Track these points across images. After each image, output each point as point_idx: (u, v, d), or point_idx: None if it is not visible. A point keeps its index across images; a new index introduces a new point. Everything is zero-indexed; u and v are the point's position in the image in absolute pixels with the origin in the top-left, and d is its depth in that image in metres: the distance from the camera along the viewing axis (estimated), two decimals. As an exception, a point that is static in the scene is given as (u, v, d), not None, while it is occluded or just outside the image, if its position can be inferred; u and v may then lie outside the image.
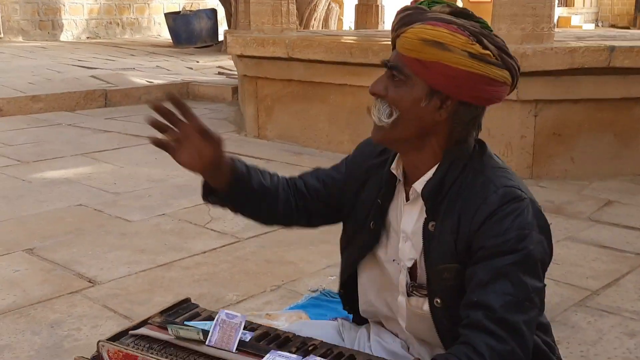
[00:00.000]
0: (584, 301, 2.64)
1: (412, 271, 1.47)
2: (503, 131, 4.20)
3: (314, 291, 2.69)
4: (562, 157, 4.28)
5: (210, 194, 1.52)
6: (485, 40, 1.34)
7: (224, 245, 3.21)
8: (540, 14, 4.13)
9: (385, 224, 1.52)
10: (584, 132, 4.28)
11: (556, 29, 4.66)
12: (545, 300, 1.38)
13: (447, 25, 1.33)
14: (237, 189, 1.50)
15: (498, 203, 1.35)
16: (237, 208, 1.56)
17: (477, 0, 15.10)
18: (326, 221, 1.67)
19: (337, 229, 1.62)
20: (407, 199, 1.47)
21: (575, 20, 20.06)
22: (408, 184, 1.47)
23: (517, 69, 1.38)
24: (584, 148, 4.30)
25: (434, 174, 1.41)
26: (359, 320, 1.70)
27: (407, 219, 1.46)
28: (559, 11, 20.32)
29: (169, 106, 1.39)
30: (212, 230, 3.42)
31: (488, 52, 1.33)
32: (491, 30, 1.37)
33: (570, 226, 3.47)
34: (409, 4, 1.44)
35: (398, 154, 1.48)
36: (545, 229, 1.41)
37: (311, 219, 1.63)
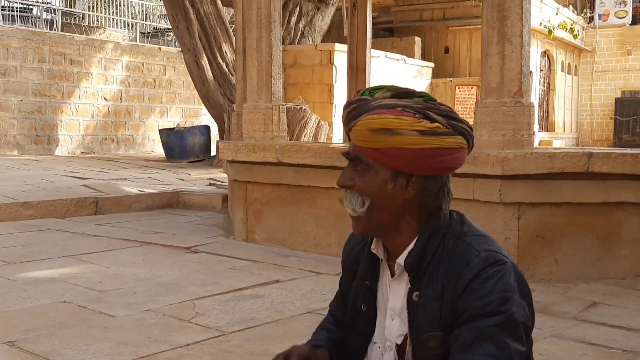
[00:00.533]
0: (572, 392, 2.59)
1: (400, 349, 1.48)
2: (487, 233, 4.26)
3: (298, 381, 2.63)
4: (547, 260, 4.32)
5: None
6: (431, 114, 1.39)
7: (208, 339, 3.16)
8: (519, 122, 4.31)
9: (376, 306, 1.55)
10: (567, 235, 4.34)
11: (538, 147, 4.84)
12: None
13: (392, 110, 1.39)
14: None
15: (480, 266, 1.39)
16: None
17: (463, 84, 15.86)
18: None
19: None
20: (393, 274, 1.51)
21: (556, 145, 20.79)
22: (392, 260, 1.51)
23: (469, 130, 1.44)
24: (567, 251, 4.35)
25: (414, 245, 1.45)
26: None
27: (395, 295, 1.49)
28: (540, 135, 21.04)
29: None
30: (196, 324, 3.38)
31: (437, 124, 1.39)
32: (435, 100, 1.43)
33: (557, 324, 3.46)
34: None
35: None
36: (526, 294, 1.44)
37: None
